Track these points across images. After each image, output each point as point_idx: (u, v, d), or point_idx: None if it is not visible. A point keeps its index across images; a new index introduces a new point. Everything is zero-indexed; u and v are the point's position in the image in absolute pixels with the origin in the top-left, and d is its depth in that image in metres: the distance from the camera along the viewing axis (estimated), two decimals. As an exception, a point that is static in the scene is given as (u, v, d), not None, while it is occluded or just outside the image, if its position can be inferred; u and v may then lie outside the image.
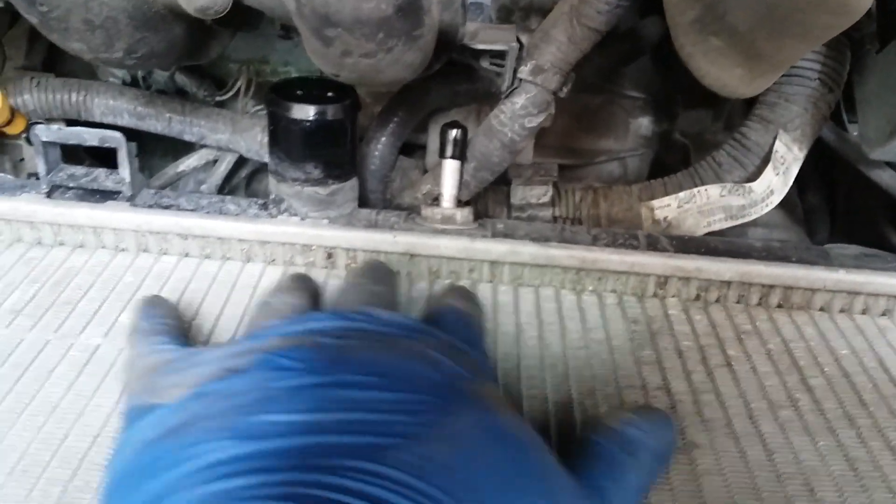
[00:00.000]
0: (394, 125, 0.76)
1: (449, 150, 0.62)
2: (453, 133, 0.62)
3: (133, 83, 0.87)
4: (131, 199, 0.61)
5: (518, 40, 0.64)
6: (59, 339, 0.52)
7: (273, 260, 0.61)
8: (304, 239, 0.61)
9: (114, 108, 0.82)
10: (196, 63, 0.80)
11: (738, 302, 0.61)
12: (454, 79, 0.75)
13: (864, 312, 0.61)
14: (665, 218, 0.75)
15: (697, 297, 0.61)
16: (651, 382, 0.52)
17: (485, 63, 0.66)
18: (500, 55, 0.65)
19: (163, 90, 0.87)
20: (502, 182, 0.79)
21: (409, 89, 0.76)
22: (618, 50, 0.87)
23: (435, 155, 0.83)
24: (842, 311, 0.61)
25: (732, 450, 0.47)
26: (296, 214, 0.61)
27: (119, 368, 0.49)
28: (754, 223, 0.81)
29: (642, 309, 0.60)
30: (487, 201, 0.81)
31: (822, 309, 0.61)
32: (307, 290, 0.51)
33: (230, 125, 0.83)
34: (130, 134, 0.60)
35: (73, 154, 0.63)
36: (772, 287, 0.61)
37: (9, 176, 0.64)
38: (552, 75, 0.65)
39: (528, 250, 0.60)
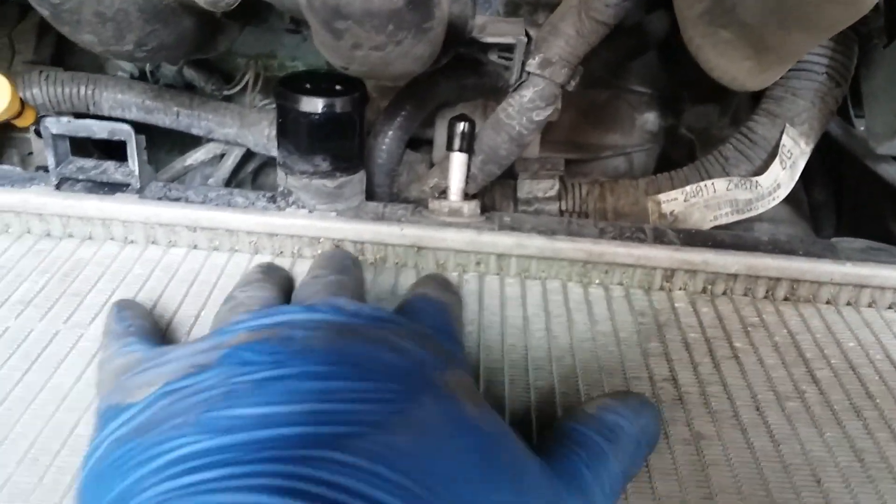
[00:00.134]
0: (401, 119, 0.76)
1: (457, 143, 0.62)
2: (461, 126, 0.62)
3: (141, 77, 0.87)
4: (140, 192, 0.62)
5: (526, 34, 0.64)
6: (69, 330, 0.52)
7: (281, 252, 0.62)
8: (312, 231, 0.61)
9: (122, 102, 0.82)
10: (204, 57, 0.80)
11: (744, 295, 0.61)
12: (461, 73, 0.75)
13: (870, 305, 0.61)
14: (671, 212, 0.75)
15: (704, 290, 0.61)
16: (658, 374, 0.52)
17: (493, 56, 0.66)
18: (509, 48, 0.65)
19: (171, 84, 0.88)
20: (509, 176, 0.79)
21: (416, 84, 0.76)
22: (624, 45, 0.87)
23: (442, 149, 0.84)
24: (848, 304, 0.61)
25: (739, 440, 0.47)
26: (304, 207, 0.61)
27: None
28: (760, 218, 0.81)
29: (649, 301, 0.60)
30: (494, 195, 0.81)
31: (828, 302, 0.61)
32: (275, 281, 0.51)
33: (238, 119, 0.83)
34: (138, 128, 0.61)
35: (81, 147, 0.64)
36: (778, 280, 0.61)
37: (17, 168, 0.64)
38: (560, 68, 0.65)
39: (534, 243, 0.60)
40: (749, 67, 0.60)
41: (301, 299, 0.49)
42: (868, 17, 0.51)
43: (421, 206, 0.64)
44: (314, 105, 0.58)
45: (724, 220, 0.75)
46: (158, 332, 0.50)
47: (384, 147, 0.76)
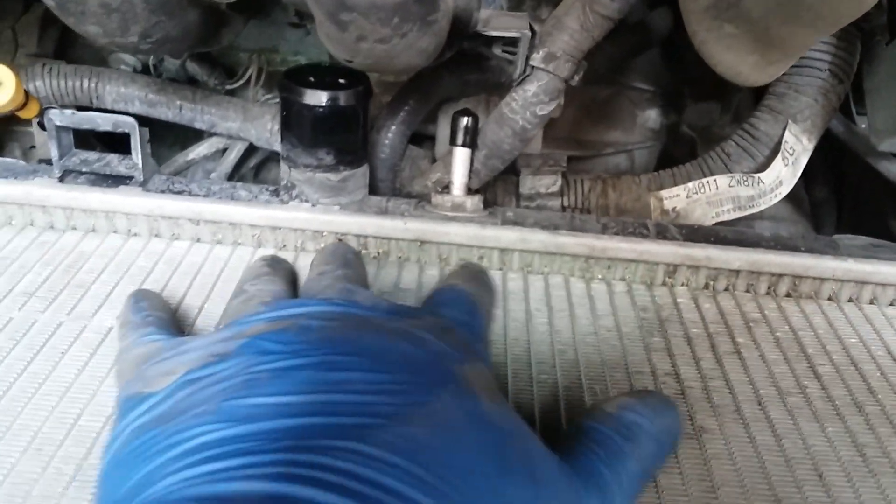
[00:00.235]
0: (404, 114, 0.76)
1: (460, 138, 0.62)
2: (465, 121, 0.62)
3: (144, 71, 0.88)
4: (143, 185, 0.62)
5: (530, 28, 0.64)
6: (73, 321, 0.52)
7: (284, 245, 0.62)
8: (315, 225, 0.61)
9: (125, 96, 0.82)
10: (208, 50, 0.80)
11: (746, 291, 0.61)
12: (464, 68, 0.75)
13: (871, 302, 0.61)
14: (674, 208, 0.75)
15: (706, 286, 0.61)
16: (660, 369, 0.52)
17: (497, 50, 0.66)
18: (513, 42, 0.65)
19: (173, 78, 0.88)
20: (511, 172, 0.79)
21: (419, 79, 0.76)
22: (627, 42, 0.87)
23: (444, 144, 0.84)
24: (850, 300, 0.61)
25: (742, 435, 0.47)
26: (307, 201, 0.61)
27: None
28: (761, 216, 0.81)
29: (651, 297, 0.60)
30: (496, 191, 0.81)
31: (830, 298, 0.61)
32: (282, 275, 0.51)
33: (241, 113, 0.83)
34: (141, 121, 0.61)
35: (84, 140, 0.64)
36: (781, 276, 0.61)
37: (21, 161, 0.64)
38: (564, 63, 0.66)
39: (537, 238, 0.60)
40: (753, 62, 0.60)
41: (312, 294, 0.48)
42: (871, 13, 0.51)
43: (424, 200, 0.64)
44: (318, 98, 0.58)
45: (726, 217, 0.75)
46: (176, 323, 0.50)
47: (387, 142, 0.76)
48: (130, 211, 0.61)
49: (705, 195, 0.74)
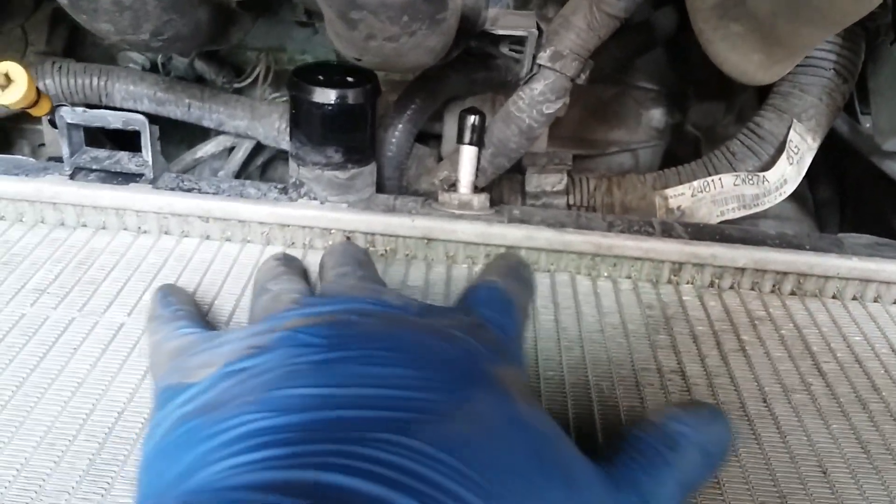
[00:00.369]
0: (410, 112, 0.77)
1: (467, 136, 0.63)
2: (472, 119, 0.62)
3: (153, 69, 0.88)
4: (153, 182, 0.62)
5: (538, 26, 0.65)
6: (84, 317, 0.53)
7: (293, 243, 0.62)
8: (323, 222, 0.61)
9: (134, 94, 0.83)
10: (217, 48, 0.80)
11: (751, 289, 0.62)
12: (470, 67, 0.76)
13: (876, 300, 0.62)
14: (679, 207, 0.76)
15: (712, 284, 0.62)
16: (666, 366, 0.53)
17: (504, 49, 0.67)
18: (520, 41, 0.66)
19: (182, 77, 0.88)
20: (517, 170, 0.80)
21: (425, 77, 0.76)
22: (632, 41, 0.88)
23: (451, 142, 0.84)
24: (854, 298, 0.62)
25: (747, 431, 0.47)
26: (315, 198, 0.62)
27: (143, 346, 0.50)
28: (765, 215, 0.82)
29: (657, 295, 0.60)
30: (502, 189, 0.81)
31: (834, 296, 0.62)
32: (300, 273, 0.51)
33: (249, 112, 0.84)
34: (149, 119, 0.61)
35: (93, 138, 0.64)
36: (785, 274, 0.61)
37: (31, 159, 0.65)
38: (571, 61, 0.66)
39: (544, 236, 0.60)
40: (759, 61, 0.60)
41: (337, 294, 0.48)
42: (875, 13, 0.51)
43: (431, 198, 0.64)
44: (327, 96, 0.58)
45: (730, 216, 0.75)
46: (203, 316, 0.51)
47: (394, 140, 0.77)
48: (141, 208, 0.61)
49: (710, 194, 0.75)
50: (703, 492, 0.43)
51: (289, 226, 0.62)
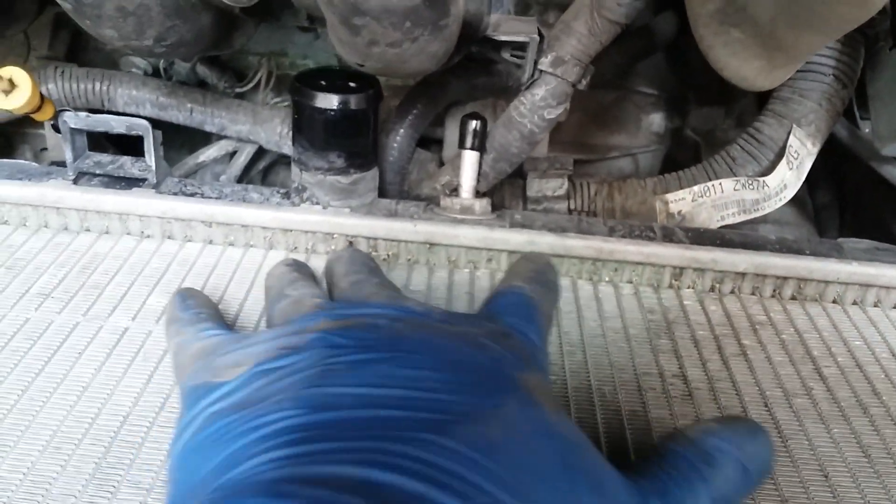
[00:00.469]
0: (412, 118, 0.77)
1: (469, 141, 0.63)
2: (473, 124, 0.63)
3: (154, 74, 0.88)
4: (156, 187, 0.62)
5: (539, 32, 0.65)
6: (88, 322, 0.53)
7: (295, 248, 0.62)
8: (326, 227, 0.61)
9: (136, 99, 0.83)
10: (220, 53, 0.81)
11: (752, 293, 0.62)
12: (472, 72, 0.76)
13: (876, 305, 0.62)
14: (679, 211, 0.76)
15: (712, 289, 0.62)
16: (668, 370, 0.53)
17: (506, 55, 0.67)
18: (522, 47, 0.66)
19: (184, 81, 0.88)
20: (518, 175, 0.80)
21: (427, 82, 0.77)
22: (632, 46, 0.88)
23: (453, 147, 0.84)
24: (854, 303, 0.62)
25: (748, 435, 0.48)
26: (318, 203, 0.62)
27: (148, 350, 0.50)
28: (765, 220, 0.82)
29: (658, 299, 0.60)
30: (503, 193, 0.82)
31: (834, 301, 0.62)
32: (313, 279, 0.52)
33: (251, 116, 0.84)
34: (151, 124, 0.61)
35: (95, 143, 0.64)
36: (786, 279, 0.61)
37: (35, 163, 0.65)
38: (572, 67, 0.66)
39: (545, 240, 0.61)
40: (759, 67, 0.61)
41: (359, 300, 0.48)
42: (874, 19, 0.52)
43: (432, 203, 0.64)
44: (329, 101, 0.58)
45: (731, 220, 0.75)
46: (223, 319, 0.51)
47: (395, 145, 0.77)
48: (144, 213, 0.61)
49: (710, 199, 0.75)
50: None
51: (292, 230, 0.62)
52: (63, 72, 0.82)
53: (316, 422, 0.33)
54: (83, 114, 0.61)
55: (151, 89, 0.83)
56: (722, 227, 0.75)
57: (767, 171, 0.75)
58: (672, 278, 0.62)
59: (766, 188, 0.74)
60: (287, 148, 0.84)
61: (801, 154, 0.73)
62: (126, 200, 0.61)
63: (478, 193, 0.65)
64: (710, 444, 0.40)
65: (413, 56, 0.54)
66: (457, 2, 0.52)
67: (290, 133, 0.79)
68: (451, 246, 0.62)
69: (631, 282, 0.62)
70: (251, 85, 0.90)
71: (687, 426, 0.42)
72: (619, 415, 0.48)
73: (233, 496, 0.30)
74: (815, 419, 0.50)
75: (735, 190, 0.74)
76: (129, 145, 0.65)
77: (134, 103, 0.83)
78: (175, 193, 0.62)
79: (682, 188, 0.77)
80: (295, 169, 0.62)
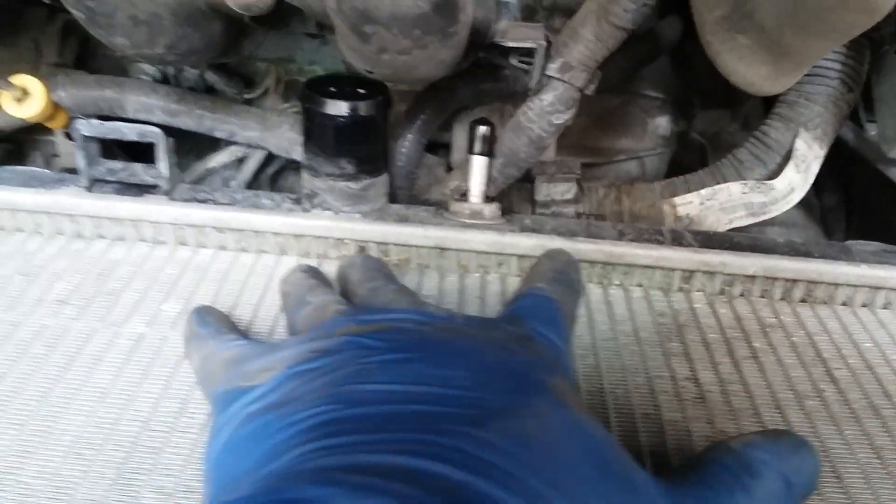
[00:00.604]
0: (420, 123, 0.77)
1: (478, 147, 0.63)
2: (482, 129, 0.63)
3: (163, 81, 0.89)
4: (169, 193, 0.63)
5: (546, 38, 0.65)
6: (106, 328, 0.53)
7: (307, 253, 0.63)
8: (337, 233, 0.62)
9: (146, 105, 0.84)
10: (229, 60, 0.81)
11: (762, 296, 0.62)
12: (479, 77, 0.77)
13: (885, 307, 0.62)
14: (687, 215, 0.76)
15: (722, 292, 0.62)
16: (679, 373, 0.53)
17: (513, 60, 0.67)
18: (529, 53, 0.66)
19: (192, 88, 0.89)
20: (525, 179, 0.80)
21: (435, 88, 0.77)
22: (637, 51, 0.88)
23: (460, 152, 0.85)
24: (864, 305, 0.62)
25: (761, 438, 0.48)
26: (329, 209, 0.62)
27: (167, 357, 0.51)
28: (772, 222, 0.82)
29: (668, 302, 0.61)
30: (511, 198, 0.82)
31: (844, 303, 0.62)
32: (330, 285, 0.52)
33: (260, 122, 0.84)
34: (161, 130, 0.62)
35: (106, 149, 0.65)
36: (795, 282, 0.62)
37: (48, 171, 0.65)
38: (580, 72, 0.67)
39: (555, 244, 0.61)
40: (766, 72, 0.61)
41: (382, 305, 0.48)
42: (880, 23, 0.52)
43: (442, 208, 0.65)
44: (339, 108, 0.59)
45: (738, 223, 0.76)
46: (241, 331, 0.51)
47: (403, 150, 0.77)
48: (157, 219, 0.62)
49: (718, 202, 0.75)
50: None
51: (303, 236, 0.62)
52: (73, 79, 0.83)
53: (353, 415, 0.33)
54: (96, 121, 0.61)
55: (161, 96, 0.84)
56: (730, 230, 0.76)
57: (775, 174, 0.76)
58: (682, 281, 0.62)
59: (773, 191, 0.74)
60: (296, 153, 0.84)
61: (808, 157, 0.74)
62: (139, 207, 0.62)
63: (487, 198, 0.65)
64: (752, 455, 0.40)
65: (422, 63, 0.54)
66: (466, 9, 0.52)
67: (299, 139, 0.79)
68: (462, 251, 0.62)
69: (641, 285, 0.62)
70: (259, 91, 0.90)
71: (729, 438, 0.42)
72: (631, 417, 0.49)
73: (282, 481, 0.31)
74: (827, 421, 0.50)
75: (743, 193, 0.75)
76: (140, 152, 0.65)
77: (144, 110, 0.84)
78: (187, 200, 0.63)
79: (689, 191, 0.77)
80: (306, 175, 0.63)
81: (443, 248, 0.62)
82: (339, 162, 0.61)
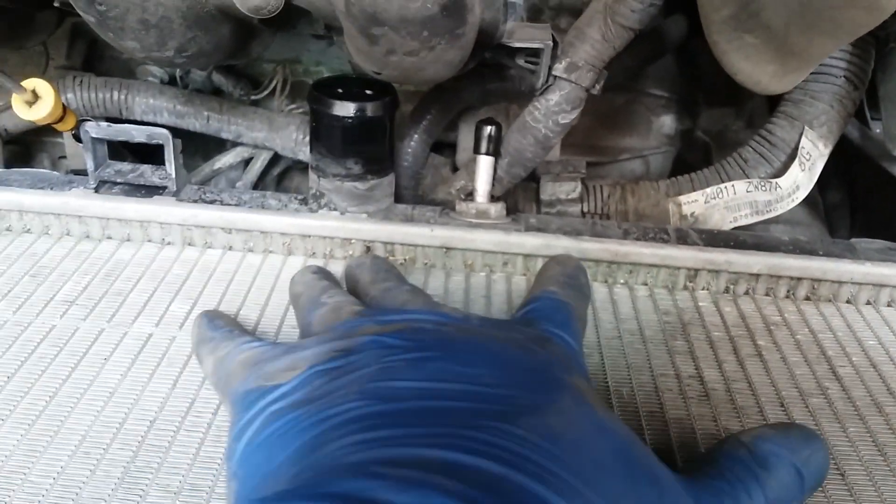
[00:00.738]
0: (426, 123, 0.78)
1: (484, 146, 0.64)
2: (488, 129, 0.63)
3: (171, 82, 0.89)
4: (176, 194, 0.63)
5: (553, 38, 0.66)
6: (113, 328, 0.54)
7: (313, 253, 0.63)
8: (343, 233, 0.62)
9: (154, 107, 0.84)
10: (237, 62, 0.82)
11: (766, 294, 0.62)
12: (485, 78, 0.77)
13: (889, 304, 0.62)
14: (692, 213, 0.76)
15: (727, 290, 0.62)
16: (684, 371, 0.53)
17: (520, 61, 0.68)
18: (536, 53, 0.66)
19: (200, 89, 0.89)
20: (531, 179, 0.81)
21: (441, 88, 0.77)
22: (642, 49, 0.88)
23: (467, 152, 0.85)
24: (868, 303, 0.62)
25: (765, 435, 0.48)
26: (335, 209, 0.63)
27: (173, 357, 0.51)
28: (777, 220, 0.82)
29: (673, 301, 0.61)
30: (517, 197, 0.82)
31: (848, 301, 0.62)
32: (340, 285, 0.53)
33: (266, 123, 0.85)
34: (169, 132, 0.62)
35: (114, 151, 0.65)
36: (799, 280, 0.62)
37: (56, 172, 0.66)
38: (586, 72, 0.67)
39: (561, 244, 0.61)
40: (773, 71, 0.61)
41: (398, 306, 0.48)
42: (885, 21, 0.52)
43: (448, 208, 0.65)
44: (347, 109, 0.59)
45: (743, 222, 0.76)
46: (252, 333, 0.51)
47: (409, 150, 0.78)
48: (165, 220, 0.62)
49: (723, 200, 0.75)
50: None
51: (310, 236, 0.63)
52: (81, 81, 0.83)
53: (384, 411, 0.34)
54: (104, 123, 0.61)
55: (169, 98, 0.84)
56: (735, 228, 0.76)
57: (780, 172, 0.76)
58: (687, 280, 0.62)
59: (778, 189, 0.74)
60: (302, 154, 0.85)
61: (814, 155, 0.74)
62: (147, 208, 0.62)
63: (493, 198, 0.65)
64: (764, 448, 0.40)
65: (430, 64, 0.55)
66: (473, 10, 0.52)
67: (306, 139, 0.80)
68: (468, 250, 0.62)
69: (646, 284, 0.63)
70: (266, 92, 0.91)
71: (740, 432, 0.43)
72: (637, 416, 0.49)
73: (323, 476, 0.31)
74: (831, 418, 0.50)
75: (748, 191, 0.75)
76: (147, 153, 0.65)
77: (152, 112, 0.84)
78: (195, 201, 0.63)
79: (694, 190, 0.77)
80: (312, 175, 0.63)
81: (448, 248, 0.62)
82: (345, 162, 0.61)
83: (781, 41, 0.58)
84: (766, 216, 0.76)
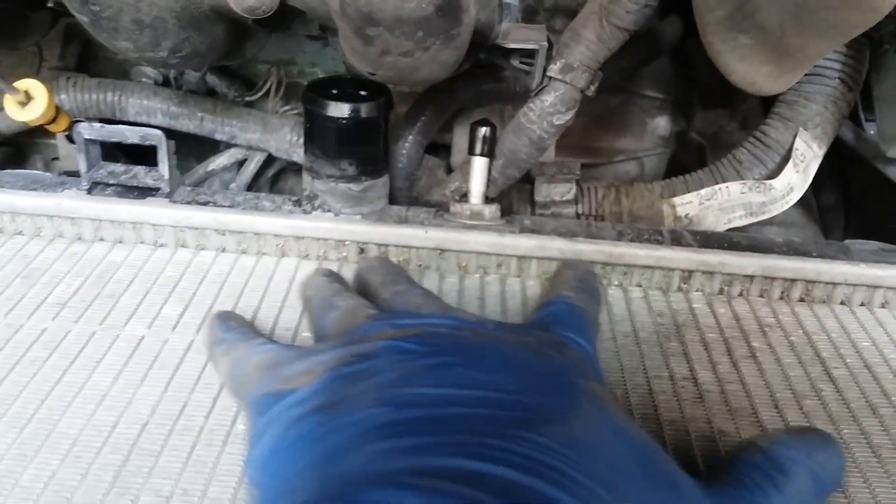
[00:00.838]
0: (421, 124, 0.77)
1: (478, 148, 0.64)
2: (483, 131, 0.63)
3: (164, 83, 0.89)
4: (169, 196, 0.63)
5: (548, 39, 0.66)
6: (105, 331, 0.53)
7: (307, 255, 0.63)
8: (337, 234, 0.62)
9: (148, 108, 0.84)
10: (231, 63, 0.81)
11: (760, 296, 0.62)
12: (480, 79, 0.77)
13: (883, 306, 0.62)
14: (686, 215, 0.76)
15: (721, 291, 0.62)
16: (678, 373, 0.53)
17: (515, 62, 0.67)
18: (531, 54, 0.66)
19: (194, 90, 0.89)
20: (525, 180, 0.80)
21: (435, 89, 0.77)
22: (637, 50, 0.88)
23: (461, 153, 0.85)
24: (862, 304, 0.62)
25: (760, 437, 0.48)
26: (329, 210, 0.63)
27: (166, 359, 0.51)
28: (770, 221, 0.82)
29: (667, 302, 0.61)
30: (511, 199, 0.82)
31: (842, 302, 0.62)
32: (351, 288, 0.52)
33: (260, 125, 0.85)
34: (163, 133, 0.62)
35: (107, 152, 0.65)
36: (794, 281, 0.62)
37: (49, 174, 0.66)
38: (581, 73, 0.67)
39: (555, 245, 0.61)
40: (767, 72, 0.61)
41: (413, 310, 0.48)
42: (880, 22, 0.52)
43: (442, 209, 0.65)
44: (341, 110, 0.59)
45: (738, 223, 0.76)
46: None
47: (404, 151, 0.78)
48: (158, 222, 0.62)
49: (717, 202, 0.75)
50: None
51: (303, 238, 0.62)
52: (75, 82, 0.83)
53: (404, 419, 0.33)
54: (97, 125, 0.61)
55: (163, 99, 0.84)
56: (729, 229, 0.76)
57: (774, 173, 0.75)
58: (681, 281, 0.62)
59: (772, 191, 0.74)
60: (297, 156, 0.85)
61: (808, 157, 0.74)
62: (140, 210, 0.62)
63: (487, 199, 0.65)
64: (781, 453, 0.40)
65: (425, 65, 0.54)
66: (468, 11, 0.52)
67: (300, 141, 0.79)
68: (462, 252, 0.62)
69: (640, 285, 0.63)
70: (260, 93, 0.91)
71: (756, 436, 0.43)
72: (631, 418, 0.49)
73: (350, 485, 0.31)
74: (825, 420, 0.50)
75: (742, 193, 0.75)
76: (141, 154, 0.65)
77: (145, 113, 0.84)
78: (188, 202, 0.63)
79: (689, 191, 0.77)
80: (306, 177, 0.63)
81: (442, 250, 0.62)
82: (340, 164, 0.61)
83: (776, 42, 0.58)
84: (761, 217, 0.76)
